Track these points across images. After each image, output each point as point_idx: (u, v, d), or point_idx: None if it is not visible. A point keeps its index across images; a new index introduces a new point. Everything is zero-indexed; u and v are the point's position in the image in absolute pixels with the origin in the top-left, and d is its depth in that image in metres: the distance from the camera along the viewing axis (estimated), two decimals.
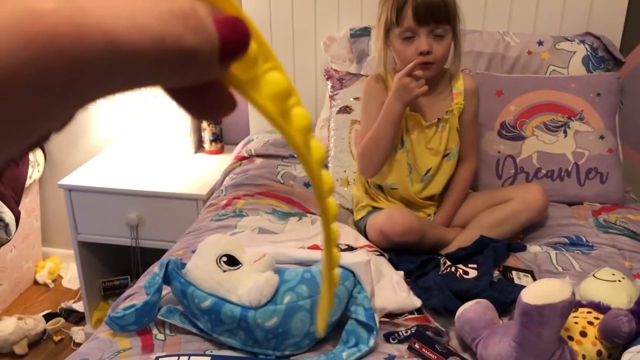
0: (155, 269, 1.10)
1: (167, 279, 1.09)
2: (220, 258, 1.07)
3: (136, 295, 1.19)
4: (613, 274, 1.04)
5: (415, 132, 1.49)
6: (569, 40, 1.77)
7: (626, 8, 1.80)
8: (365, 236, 1.47)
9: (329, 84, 1.80)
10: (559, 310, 0.87)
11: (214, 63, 0.23)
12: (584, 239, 1.41)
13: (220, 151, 2.21)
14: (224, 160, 2.08)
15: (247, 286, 1.03)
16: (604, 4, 1.80)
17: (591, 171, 1.59)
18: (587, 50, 1.75)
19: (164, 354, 1.02)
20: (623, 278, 1.04)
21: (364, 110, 1.53)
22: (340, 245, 1.33)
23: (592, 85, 1.66)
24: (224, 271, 1.05)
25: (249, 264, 1.07)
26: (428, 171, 1.51)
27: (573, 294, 0.88)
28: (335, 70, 1.81)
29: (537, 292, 0.88)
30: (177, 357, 0.99)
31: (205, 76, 0.23)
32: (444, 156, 1.51)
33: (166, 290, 1.13)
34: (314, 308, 1.03)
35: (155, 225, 1.98)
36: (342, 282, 1.06)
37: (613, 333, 0.91)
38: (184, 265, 1.10)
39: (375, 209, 1.50)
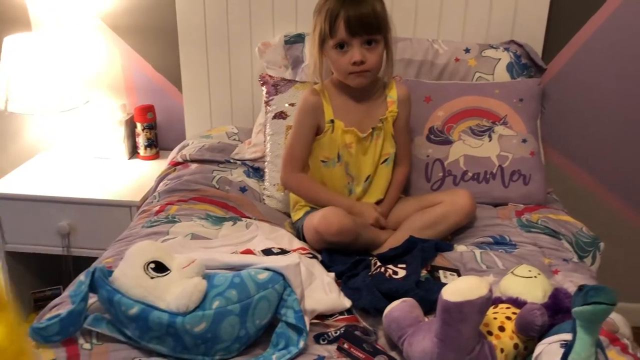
0: (82, 277, 1.08)
1: (93, 287, 1.07)
2: (148, 264, 1.06)
3: (62, 304, 1.16)
4: (530, 271, 1.09)
5: (354, 145, 1.53)
6: (494, 48, 1.84)
7: (546, 18, 1.89)
8: (302, 237, 1.49)
9: (264, 89, 1.81)
10: (477, 306, 0.91)
11: None
12: (507, 238, 1.47)
13: (156, 157, 2.18)
14: (159, 166, 2.05)
15: (175, 292, 1.02)
16: (526, 13, 1.89)
17: (515, 173, 1.67)
18: (511, 57, 1.83)
19: None
20: (539, 274, 1.09)
21: (296, 123, 1.56)
22: (273, 249, 1.34)
23: (515, 91, 1.73)
24: (152, 278, 1.05)
25: (177, 270, 1.07)
26: (367, 178, 1.56)
27: (490, 290, 0.92)
28: (270, 76, 1.82)
29: (456, 290, 0.92)
30: None
31: None
32: (382, 162, 1.56)
33: (93, 298, 1.11)
34: (245, 312, 1.04)
35: (87, 233, 1.93)
36: (272, 285, 1.07)
37: (528, 326, 0.96)
38: (111, 273, 1.08)
39: (313, 208, 1.52)
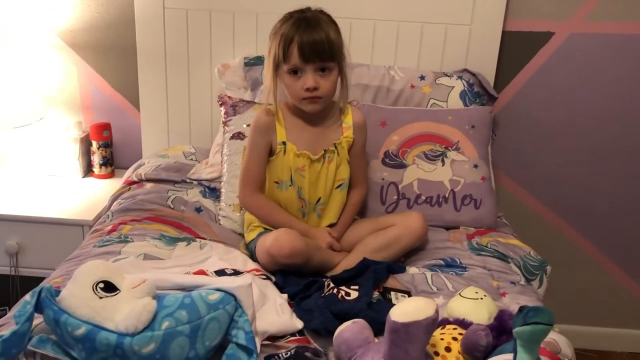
0: (27, 297, 1.05)
1: (39, 308, 1.04)
2: (97, 284, 1.04)
3: (6, 325, 1.13)
4: (476, 292, 1.12)
5: (306, 168, 1.54)
6: (448, 76, 1.91)
7: (498, 49, 1.97)
8: (255, 258, 1.49)
9: (223, 110, 1.82)
10: (423, 327, 0.93)
11: None
12: (458, 260, 1.51)
13: (111, 175, 2.15)
14: (114, 184, 2.02)
15: (124, 313, 1.01)
16: (479, 44, 1.97)
17: (466, 198, 1.71)
18: (464, 85, 1.89)
19: None
20: (485, 296, 1.12)
21: (250, 143, 1.57)
22: (226, 270, 1.34)
23: (467, 118, 1.79)
24: (101, 297, 1.03)
25: (127, 290, 1.05)
26: (318, 200, 1.57)
27: (437, 311, 0.95)
28: (229, 97, 1.83)
29: (404, 311, 0.94)
30: None
31: None
32: (337, 187, 1.58)
33: (39, 319, 1.08)
34: (194, 333, 1.03)
35: (37, 252, 1.88)
36: (223, 306, 1.06)
37: (473, 347, 0.98)
38: (58, 292, 1.06)
39: (267, 229, 1.53)
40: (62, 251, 1.77)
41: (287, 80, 1.49)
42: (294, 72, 1.47)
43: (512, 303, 1.31)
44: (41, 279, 1.66)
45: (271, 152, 1.56)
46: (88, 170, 2.16)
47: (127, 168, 2.04)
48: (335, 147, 1.57)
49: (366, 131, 1.64)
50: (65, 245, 1.81)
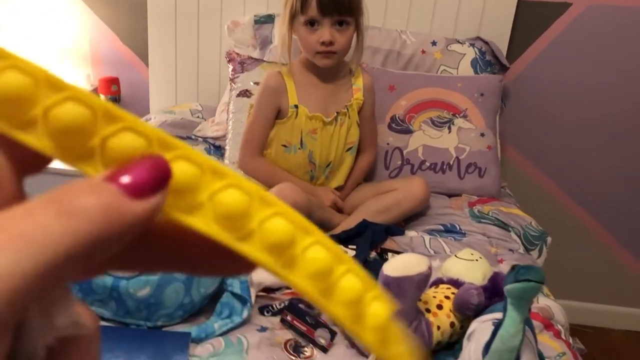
0: None
1: None
2: None
3: None
4: (472, 254, 1.12)
5: (318, 131, 1.53)
6: (460, 43, 1.88)
7: (513, 18, 1.93)
8: None
9: (230, 66, 1.81)
10: (415, 282, 0.93)
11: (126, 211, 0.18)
12: (457, 226, 1.51)
13: None
14: None
15: None
16: (494, 12, 1.93)
17: (471, 166, 1.70)
18: (476, 53, 1.86)
19: None
20: (480, 258, 1.12)
21: (257, 104, 1.56)
22: None
23: (477, 86, 1.77)
24: None
25: None
26: (329, 164, 1.56)
27: (429, 268, 0.95)
28: (237, 54, 1.82)
29: (396, 265, 0.94)
30: None
31: (135, 226, 0.19)
32: (347, 150, 1.58)
33: None
34: (190, 279, 1.04)
35: None
36: None
37: (464, 305, 0.99)
38: None
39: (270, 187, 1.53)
40: None
41: (302, 32, 1.47)
42: (311, 24, 1.44)
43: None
44: None
45: (280, 115, 1.54)
46: None
47: None
48: (347, 109, 1.56)
49: (374, 94, 1.63)
50: None
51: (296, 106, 1.52)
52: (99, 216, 0.18)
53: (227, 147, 1.75)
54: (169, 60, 2.06)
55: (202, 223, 0.20)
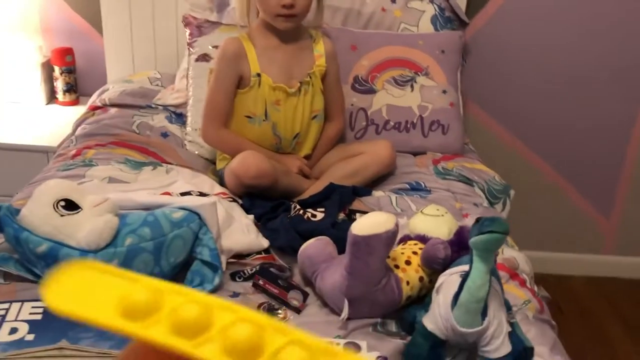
0: None
1: None
2: (58, 202, 1.03)
3: None
4: (437, 210, 1.14)
5: (282, 102, 1.50)
6: (420, 0, 1.87)
7: None
8: (224, 185, 1.49)
9: (187, 31, 1.76)
10: (383, 239, 0.94)
11: None
12: (422, 184, 1.53)
13: (75, 102, 2.10)
14: (80, 111, 1.97)
15: (85, 230, 1.01)
16: None
17: (434, 123, 1.72)
18: (435, 10, 1.86)
19: None
20: (446, 213, 1.14)
21: (216, 73, 1.50)
22: (192, 192, 1.33)
23: (437, 43, 1.77)
24: (62, 215, 1.02)
25: (88, 208, 1.05)
26: (296, 136, 1.54)
27: (396, 225, 0.96)
28: (194, 17, 1.78)
29: (364, 225, 0.95)
30: (9, 304, 0.96)
31: None
32: (313, 118, 1.55)
33: (0, 238, 1.08)
34: (158, 250, 1.04)
35: (1, 179, 1.85)
36: (187, 224, 1.07)
37: (431, 259, 1.01)
38: (18, 211, 1.05)
39: None
40: (26, 178, 1.74)
41: None
42: None
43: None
44: None
45: (241, 83, 1.50)
46: (51, 97, 2.10)
47: (91, 95, 1.99)
48: (310, 77, 1.53)
49: (337, 61, 1.60)
50: (30, 172, 1.76)
51: (258, 74, 1.48)
52: None
53: (188, 114, 1.72)
54: (123, 28, 1.99)
55: None
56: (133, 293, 0.25)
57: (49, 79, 2.07)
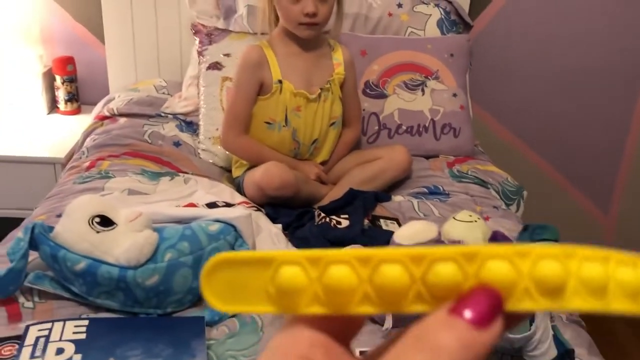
0: (19, 233, 1.03)
1: (33, 244, 1.02)
2: (93, 219, 1.02)
3: (1, 264, 1.10)
4: (470, 216, 1.15)
5: (302, 108, 1.51)
6: (425, 4, 1.88)
7: None
8: (242, 193, 1.48)
9: (197, 39, 1.75)
10: None
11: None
12: (441, 188, 1.54)
13: (77, 112, 2.07)
14: (82, 121, 1.95)
15: (124, 246, 1.00)
16: None
17: (446, 126, 1.73)
18: (441, 13, 1.87)
19: (34, 321, 0.96)
20: (479, 219, 1.15)
21: (237, 81, 1.51)
22: (218, 203, 1.33)
23: (446, 47, 1.78)
24: (98, 232, 1.01)
25: (124, 224, 1.04)
26: (314, 141, 1.55)
27: (439, 233, 0.97)
28: (203, 25, 1.76)
29: (407, 234, 0.96)
30: (51, 324, 0.94)
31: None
32: (331, 124, 1.56)
33: (32, 256, 1.06)
34: (197, 264, 1.03)
35: (6, 192, 1.81)
36: (223, 236, 1.06)
37: None
38: (51, 229, 1.04)
39: (254, 165, 1.51)
40: (34, 191, 1.72)
41: (284, 3, 1.43)
42: None
43: (496, 226, 1.35)
44: (15, 219, 1.62)
45: (262, 90, 1.50)
46: (53, 107, 2.07)
47: (93, 104, 1.96)
48: (329, 84, 1.53)
49: (355, 70, 1.62)
50: (38, 185, 1.75)
51: (280, 81, 1.48)
52: (458, 350, 0.21)
53: (200, 123, 1.71)
54: (126, 36, 1.97)
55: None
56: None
57: (50, 89, 2.04)
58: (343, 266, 0.24)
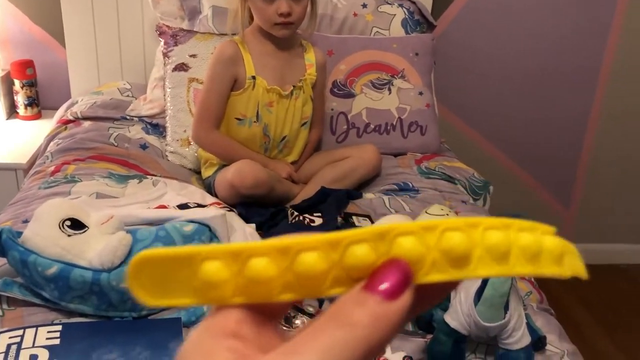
0: None
1: (1, 250, 0.99)
2: (64, 222, 1.00)
3: None
4: (442, 209, 1.18)
5: (274, 104, 1.51)
6: (389, 4, 1.90)
7: None
8: (213, 193, 1.47)
9: (162, 40, 1.73)
10: None
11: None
12: (410, 184, 1.56)
13: (37, 116, 2.01)
14: (43, 126, 1.90)
15: (97, 249, 0.98)
16: None
17: (412, 124, 1.75)
18: (405, 13, 1.90)
19: (4, 329, 0.93)
20: (450, 212, 1.18)
21: (211, 76, 1.50)
22: (189, 204, 1.31)
23: (411, 46, 1.81)
24: (69, 235, 0.99)
25: (96, 226, 1.02)
26: (284, 138, 1.55)
27: None
28: (168, 27, 1.74)
29: None
30: (22, 330, 0.91)
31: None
32: (302, 124, 1.57)
33: (0, 262, 1.03)
34: None
35: None
36: (198, 236, 1.05)
37: None
38: (19, 234, 1.01)
39: (225, 165, 1.50)
40: None
41: (258, 4, 1.43)
42: None
43: None
44: None
45: (235, 86, 1.49)
46: (12, 112, 2.01)
47: (54, 109, 1.92)
48: (302, 83, 1.54)
49: (326, 73, 1.63)
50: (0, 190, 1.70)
51: (254, 77, 1.49)
52: (371, 324, 0.23)
53: (167, 125, 1.69)
54: (87, 38, 1.93)
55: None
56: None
57: (9, 93, 1.98)
58: (263, 258, 0.25)
